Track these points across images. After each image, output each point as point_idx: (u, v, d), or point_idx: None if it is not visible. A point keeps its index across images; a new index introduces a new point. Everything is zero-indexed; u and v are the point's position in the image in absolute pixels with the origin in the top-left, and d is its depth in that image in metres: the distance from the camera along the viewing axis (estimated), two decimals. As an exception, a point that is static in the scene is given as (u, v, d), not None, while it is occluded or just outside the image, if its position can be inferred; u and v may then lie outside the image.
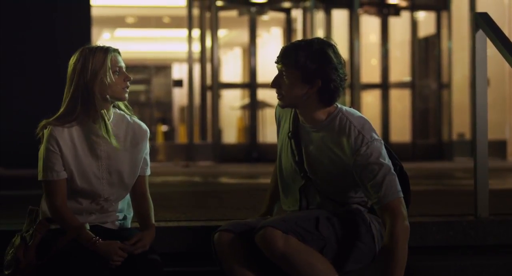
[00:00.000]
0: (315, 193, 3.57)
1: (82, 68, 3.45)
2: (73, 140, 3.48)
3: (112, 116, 3.54)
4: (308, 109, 3.49)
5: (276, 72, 3.52)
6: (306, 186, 3.58)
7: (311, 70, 3.40)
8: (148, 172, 3.66)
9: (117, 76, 3.49)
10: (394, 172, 3.43)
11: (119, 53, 3.54)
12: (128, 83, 3.52)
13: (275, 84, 3.49)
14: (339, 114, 3.50)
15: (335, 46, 3.47)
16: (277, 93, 3.50)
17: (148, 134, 3.63)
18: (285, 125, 3.64)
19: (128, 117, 3.60)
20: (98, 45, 3.52)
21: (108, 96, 3.47)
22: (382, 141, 3.48)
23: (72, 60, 3.50)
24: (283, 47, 3.50)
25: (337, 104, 3.53)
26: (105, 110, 3.49)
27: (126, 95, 3.54)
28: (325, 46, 3.44)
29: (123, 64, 3.53)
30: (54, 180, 3.46)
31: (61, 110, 3.50)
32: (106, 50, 3.48)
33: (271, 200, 3.83)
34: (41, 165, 3.48)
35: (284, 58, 3.46)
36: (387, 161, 3.43)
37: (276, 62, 3.49)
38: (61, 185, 3.47)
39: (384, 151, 3.44)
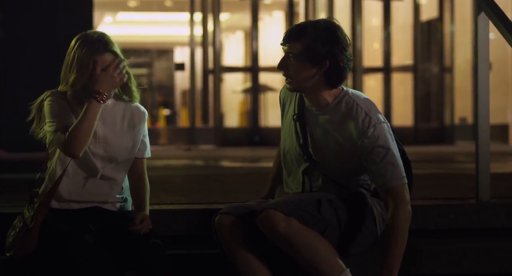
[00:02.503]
0: (318, 176, 3.57)
1: (74, 56, 3.44)
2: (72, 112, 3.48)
3: (109, 100, 3.53)
4: (315, 92, 3.47)
5: (279, 55, 3.50)
6: (310, 169, 3.57)
7: (319, 51, 3.38)
8: (147, 154, 3.65)
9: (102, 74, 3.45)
10: (399, 156, 3.43)
11: (115, 50, 3.47)
12: None
13: (282, 66, 3.47)
14: (346, 96, 3.49)
15: (340, 27, 3.46)
16: (284, 76, 3.48)
17: (146, 116, 3.62)
18: (290, 108, 3.63)
19: (125, 98, 3.59)
20: (99, 35, 3.47)
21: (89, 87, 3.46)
22: (389, 124, 3.47)
23: (72, 43, 3.49)
24: (289, 28, 3.48)
25: (343, 86, 3.53)
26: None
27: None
28: (332, 27, 3.43)
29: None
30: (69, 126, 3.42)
31: (58, 88, 3.51)
32: (100, 49, 3.43)
33: (273, 182, 3.83)
34: (52, 119, 3.42)
35: (290, 40, 3.43)
36: (393, 144, 3.42)
37: (282, 44, 3.47)
38: None
39: (391, 134, 3.44)
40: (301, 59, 3.41)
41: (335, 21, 3.47)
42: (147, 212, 3.54)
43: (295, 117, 3.57)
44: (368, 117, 3.42)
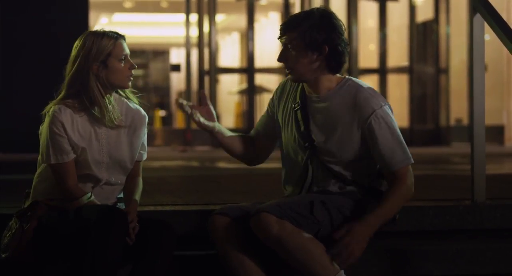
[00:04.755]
0: (318, 166, 3.55)
1: (88, 53, 3.43)
2: (76, 124, 3.47)
3: (112, 102, 3.54)
4: (317, 78, 3.51)
5: (275, 56, 3.53)
6: (311, 158, 3.56)
7: (316, 39, 3.43)
8: (145, 157, 3.66)
9: (123, 64, 3.48)
10: (402, 138, 3.50)
11: (124, 39, 3.53)
12: (132, 71, 3.51)
13: (282, 58, 3.51)
14: (349, 81, 3.54)
15: (334, 14, 3.53)
16: (285, 67, 3.53)
17: (147, 120, 3.63)
18: (288, 101, 3.63)
19: (127, 101, 3.60)
20: (105, 30, 3.50)
21: (111, 83, 3.46)
22: (391, 107, 3.53)
23: (78, 44, 3.47)
24: (284, 21, 3.54)
25: (345, 75, 3.57)
26: (107, 96, 3.48)
27: (130, 83, 3.53)
28: (326, 14, 3.49)
29: (128, 52, 3.52)
30: (65, 162, 3.45)
31: (62, 93, 3.49)
32: (114, 37, 3.47)
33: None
34: (49, 148, 3.44)
35: (287, 30, 3.48)
36: (397, 127, 3.49)
37: (279, 37, 3.52)
38: (72, 165, 3.47)
39: (393, 118, 3.51)
40: (299, 48, 3.46)
41: (327, 9, 3.54)
42: (136, 203, 3.52)
43: (296, 105, 3.58)
44: (375, 99, 3.48)
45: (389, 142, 3.45)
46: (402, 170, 3.47)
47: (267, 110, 3.75)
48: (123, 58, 3.49)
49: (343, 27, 3.52)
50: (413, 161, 3.51)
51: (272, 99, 3.73)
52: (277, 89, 3.73)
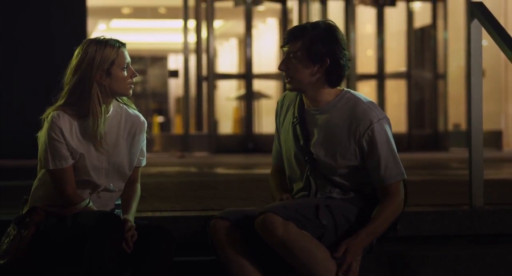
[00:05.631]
0: (317, 178, 3.56)
1: (91, 62, 3.43)
2: (75, 129, 3.47)
3: (111, 109, 3.54)
4: (316, 91, 3.53)
5: (273, 62, 3.54)
6: (312, 171, 3.57)
7: (319, 50, 3.46)
8: (144, 163, 3.66)
9: (125, 72, 3.48)
10: (397, 153, 3.51)
11: (125, 47, 3.52)
12: (133, 79, 3.52)
13: (283, 66, 3.53)
14: (347, 94, 3.56)
15: (338, 28, 3.55)
16: (285, 76, 3.55)
17: (146, 126, 3.64)
18: (288, 116, 3.64)
19: (126, 108, 3.60)
20: (106, 37, 3.50)
21: (113, 91, 3.46)
22: (390, 121, 3.53)
23: (79, 52, 3.46)
24: (289, 29, 3.56)
25: (344, 88, 3.59)
26: (105, 105, 3.48)
27: (131, 91, 3.53)
28: (331, 27, 3.52)
29: (129, 60, 3.52)
30: (64, 168, 3.45)
31: (62, 100, 3.48)
32: (116, 45, 3.47)
33: (280, 189, 3.77)
34: (47, 154, 3.44)
35: (291, 40, 3.51)
36: (393, 141, 3.51)
37: (282, 46, 3.55)
38: (70, 171, 3.47)
39: (391, 132, 3.52)
40: (302, 58, 3.48)
41: (332, 22, 3.55)
42: (130, 218, 3.51)
43: (294, 120, 3.59)
44: (373, 112, 3.49)
45: (384, 156, 3.47)
46: (394, 185, 3.49)
47: (275, 136, 3.77)
48: (126, 66, 3.49)
49: (346, 42, 3.54)
50: (406, 177, 3.52)
51: (276, 121, 3.75)
52: (276, 109, 3.74)
